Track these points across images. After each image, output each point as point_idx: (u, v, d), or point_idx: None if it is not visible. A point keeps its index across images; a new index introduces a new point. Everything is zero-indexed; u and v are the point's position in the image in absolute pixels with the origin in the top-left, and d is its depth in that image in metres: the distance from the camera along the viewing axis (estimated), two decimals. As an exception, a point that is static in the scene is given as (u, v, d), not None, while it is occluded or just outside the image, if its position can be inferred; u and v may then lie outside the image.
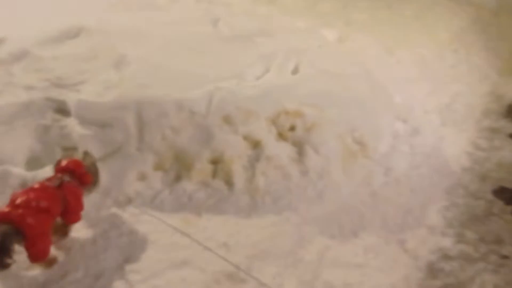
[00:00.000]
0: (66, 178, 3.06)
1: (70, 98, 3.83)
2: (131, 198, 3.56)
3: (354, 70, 4.94)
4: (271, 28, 5.35)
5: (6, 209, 2.67)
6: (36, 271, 2.90)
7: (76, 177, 3.15)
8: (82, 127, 3.69)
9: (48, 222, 2.86)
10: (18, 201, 2.73)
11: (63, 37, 4.55)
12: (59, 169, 3.17)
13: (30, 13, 5.09)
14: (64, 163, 3.16)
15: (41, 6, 5.37)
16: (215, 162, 3.78)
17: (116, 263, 3.04)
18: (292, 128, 4.07)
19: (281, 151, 3.92)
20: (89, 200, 3.38)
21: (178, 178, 3.72)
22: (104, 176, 3.56)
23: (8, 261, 2.51)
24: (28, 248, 2.72)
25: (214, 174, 3.75)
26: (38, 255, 2.83)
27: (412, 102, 5.34)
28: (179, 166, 3.75)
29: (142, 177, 3.66)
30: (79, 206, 3.16)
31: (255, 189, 3.70)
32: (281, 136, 4.02)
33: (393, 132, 4.75)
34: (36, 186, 2.94)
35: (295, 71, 4.58)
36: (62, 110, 3.87)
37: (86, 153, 3.34)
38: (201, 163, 3.73)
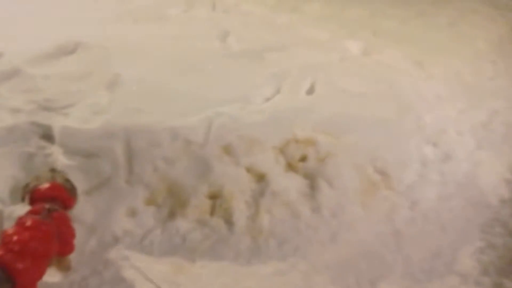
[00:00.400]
0: (53, 207, 2.74)
1: (56, 123, 3.49)
2: (118, 237, 3.18)
3: (378, 88, 4.45)
4: (287, 41, 4.92)
5: (1, 252, 2.35)
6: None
7: (60, 202, 2.84)
8: (66, 157, 3.35)
9: (44, 269, 2.56)
10: (13, 243, 2.40)
11: (59, 53, 4.26)
12: (38, 197, 2.82)
13: (31, 25, 4.81)
14: (42, 189, 2.84)
15: (46, 17, 5.11)
16: (214, 197, 3.38)
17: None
18: (303, 159, 3.62)
19: (290, 185, 3.48)
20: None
21: (171, 215, 3.32)
22: (88, 212, 3.22)
23: None
24: None
25: (212, 211, 3.34)
26: None
27: (444, 122, 4.76)
28: (173, 202, 3.35)
29: (132, 213, 3.28)
30: (72, 235, 2.85)
31: (258, 229, 3.27)
32: (290, 167, 3.58)
33: (421, 158, 4.22)
34: (29, 223, 2.57)
35: (310, 90, 4.13)
36: (47, 136, 3.54)
37: (53, 171, 3.03)
38: (198, 198, 3.33)
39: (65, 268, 2.95)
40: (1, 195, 3.28)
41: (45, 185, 2.87)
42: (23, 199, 2.94)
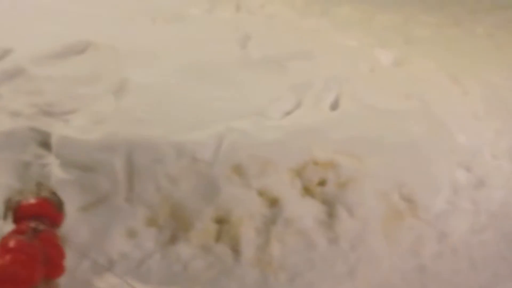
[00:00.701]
0: (39, 226, 2.49)
1: (56, 130, 3.24)
2: (113, 260, 2.93)
3: (408, 105, 4.08)
4: (313, 48, 4.57)
5: None
6: None
7: (48, 220, 2.60)
8: (62, 169, 3.10)
9: None
10: None
11: (68, 52, 4.01)
12: (24, 215, 2.58)
13: (41, 22, 4.57)
14: (27, 205, 2.60)
15: (58, 12, 4.87)
16: (220, 222, 3.09)
17: None
18: (322, 183, 3.29)
19: (306, 212, 3.17)
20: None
21: (173, 238, 3.05)
22: (82, 231, 2.96)
23: None
24: None
25: (218, 237, 3.06)
26: None
27: (479, 144, 4.36)
28: (175, 224, 3.08)
29: (131, 234, 3.02)
30: (61, 256, 2.59)
31: (268, 260, 2.98)
32: (307, 192, 3.26)
33: (452, 184, 3.84)
34: (12, 244, 2.33)
35: (334, 105, 3.79)
36: (46, 144, 3.31)
37: (39, 184, 2.84)
38: (203, 222, 3.05)
39: None
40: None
41: (31, 201, 2.62)
42: (5, 216, 2.69)
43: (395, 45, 5.75)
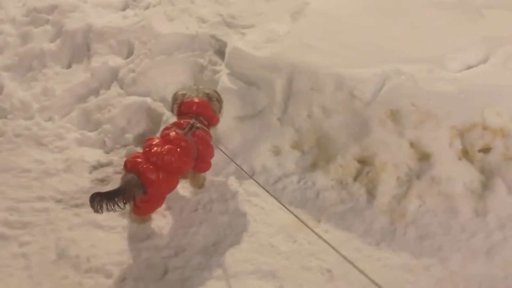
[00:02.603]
0: (197, 124, 2.79)
1: (231, 41, 3.42)
2: (255, 171, 3.12)
3: None
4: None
5: (140, 160, 2.50)
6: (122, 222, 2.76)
7: (205, 119, 2.90)
8: (229, 79, 3.29)
9: (175, 183, 2.70)
10: (151, 154, 2.53)
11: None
12: (186, 111, 2.88)
13: None
14: (190, 104, 2.87)
15: None
16: (363, 162, 3.00)
17: (203, 243, 2.69)
18: (486, 150, 2.93)
19: (458, 176, 2.88)
20: (212, 160, 3.09)
21: (313, 166, 3.09)
22: (235, 139, 3.19)
23: (119, 207, 2.37)
24: (142, 203, 2.57)
25: (357, 177, 2.99)
26: (144, 211, 2.70)
27: None
28: (318, 153, 3.09)
29: (276, 152, 3.15)
30: (210, 154, 2.92)
31: (401, 213, 2.83)
32: (465, 155, 2.94)
33: None
34: (171, 136, 2.67)
35: (528, 68, 3.24)
36: (221, 52, 3.54)
37: (199, 88, 3.03)
38: (345, 158, 3.00)
39: (199, 185, 3.03)
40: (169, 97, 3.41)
41: (194, 99, 2.89)
42: (172, 109, 3.02)
43: None
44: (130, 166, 2.48)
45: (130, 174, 2.46)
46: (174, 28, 3.79)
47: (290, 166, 3.12)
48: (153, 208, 2.69)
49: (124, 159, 2.59)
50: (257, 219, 2.84)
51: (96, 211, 2.29)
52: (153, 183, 2.47)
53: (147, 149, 2.57)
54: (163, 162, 2.52)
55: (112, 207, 2.32)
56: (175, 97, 2.99)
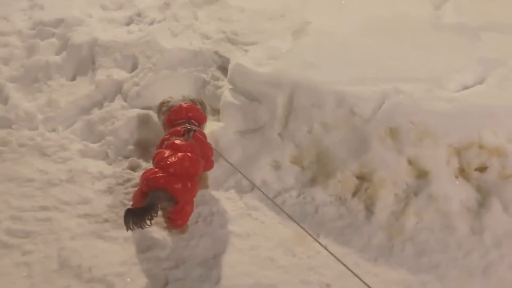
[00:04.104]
0: (193, 128, 2.92)
1: (234, 58, 3.50)
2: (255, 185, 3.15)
3: None
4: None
5: (160, 174, 2.58)
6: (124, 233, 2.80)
7: (196, 121, 3.05)
8: (231, 94, 3.37)
9: (197, 188, 2.79)
10: (171, 165, 2.61)
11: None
12: (176, 118, 3.02)
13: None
14: (182, 111, 3.03)
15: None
16: (361, 178, 3.05)
17: (203, 255, 2.72)
18: (482, 169, 3.00)
19: (454, 194, 2.94)
20: (212, 174, 3.15)
21: (313, 181, 3.14)
22: (236, 152, 3.24)
23: (148, 223, 2.45)
24: (175, 214, 2.67)
25: (355, 192, 3.05)
26: (181, 221, 2.77)
27: None
28: (318, 169, 3.15)
29: (276, 167, 3.20)
30: (211, 152, 3.02)
31: (399, 229, 2.88)
32: (462, 173, 3.00)
33: None
34: (179, 143, 2.77)
35: (524, 90, 3.31)
36: (223, 68, 3.62)
37: (184, 96, 3.22)
38: (344, 174, 3.05)
39: (205, 184, 3.11)
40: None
41: (183, 106, 3.04)
42: (159, 118, 3.19)
43: None
44: (152, 182, 2.55)
45: (156, 189, 2.53)
46: (178, 44, 3.86)
47: (290, 181, 3.17)
48: (187, 216, 2.77)
49: (133, 172, 2.91)
50: (257, 233, 2.88)
51: (128, 228, 2.40)
52: (180, 191, 2.57)
53: (162, 162, 2.65)
54: (182, 170, 2.63)
55: (141, 225, 2.41)
56: (161, 106, 3.14)
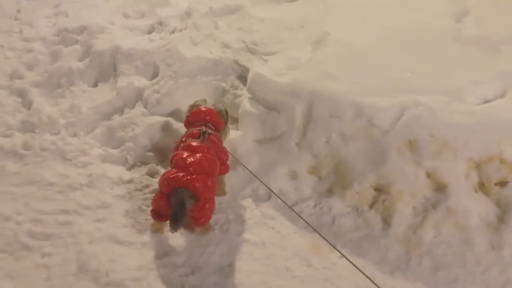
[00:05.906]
0: (208, 131, 2.99)
1: (253, 67, 3.54)
2: (271, 194, 3.16)
3: None
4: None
5: (181, 174, 2.64)
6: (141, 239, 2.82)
7: (213, 125, 3.11)
8: (250, 103, 3.39)
9: (216, 186, 2.84)
10: (190, 165, 2.69)
11: (284, -2, 4.23)
12: (194, 120, 3.10)
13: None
14: (200, 114, 3.11)
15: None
16: (379, 190, 3.04)
17: (219, 263, 2.73)
18: (503, 183, 2.96)
19: (474, 208, 2.90)
20: (228, 182, 3.18)
21: (330, 192, 3.14)
22: (253, 160, 3.25)
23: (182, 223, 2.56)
24: (197, 211, 2.70)
25: (373, 204, 3.03)
26: (204, 219, 2.80)
27: None
28: (335, 180, 3.15)
29: (293, 176, 3.21)
30: (226, 156, 3.08)
31: (417, 243, 2.86)
32: (481, 188, 2.97)
33: None
34: (195, 145, 2.84)
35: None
36: (243, 77, 3.65)
37: (204, 100, 3.33)
38: (362, 185, 3.04)
39: (222, 191, 3.15)
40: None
41: (201, 109, 3.14)
42: None
43: None
44: (174, 181, 2.62)
45: (177, 188, 2.60)
46: (199, 53, 3.91)
47: (307, 191, 3.17)
48: (209, 213, 2.80)
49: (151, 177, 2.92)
50: (273, 242, 2.88)
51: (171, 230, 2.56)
52: (201, 189, 2.63)
53: (181, 163, 2.71)
54: (201, 169, 2.70)
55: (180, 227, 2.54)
56: (190, 107, 3.25)
